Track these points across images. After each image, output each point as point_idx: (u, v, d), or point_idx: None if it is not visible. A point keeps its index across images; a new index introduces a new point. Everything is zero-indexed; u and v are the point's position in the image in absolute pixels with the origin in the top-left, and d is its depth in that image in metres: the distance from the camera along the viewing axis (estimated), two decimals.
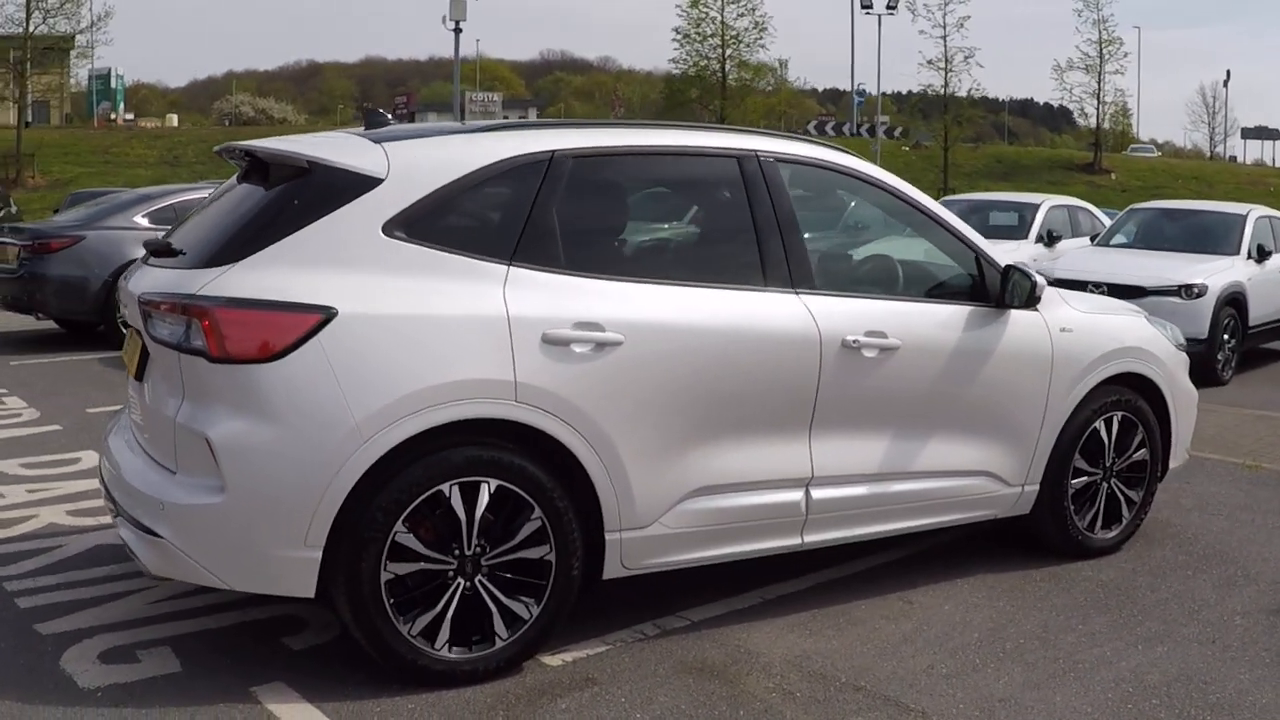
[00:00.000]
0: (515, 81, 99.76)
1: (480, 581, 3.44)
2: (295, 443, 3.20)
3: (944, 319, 4.30)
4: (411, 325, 3.33)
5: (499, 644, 3.48)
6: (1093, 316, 4.78)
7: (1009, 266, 4.39)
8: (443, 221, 3.50)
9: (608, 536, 3.62)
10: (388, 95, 78.18)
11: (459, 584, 3.41)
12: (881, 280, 4.49)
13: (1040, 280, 4.38)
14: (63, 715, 3.19)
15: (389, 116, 4.15)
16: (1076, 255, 11.19)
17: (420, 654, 3.37)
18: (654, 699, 3.39)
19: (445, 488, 3.35)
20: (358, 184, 3.42)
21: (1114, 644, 3.88)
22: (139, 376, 3.72)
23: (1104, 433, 4.75)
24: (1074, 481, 4.69)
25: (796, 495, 3.97)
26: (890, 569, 4.61)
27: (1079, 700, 3.44)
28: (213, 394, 3.26)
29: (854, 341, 4.00)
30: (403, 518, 3.30)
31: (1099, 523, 4.81)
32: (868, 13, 42.62)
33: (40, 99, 43.23)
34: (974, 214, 12.43)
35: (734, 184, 4.02)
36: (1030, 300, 4.37)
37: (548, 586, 3.53)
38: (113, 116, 51.07)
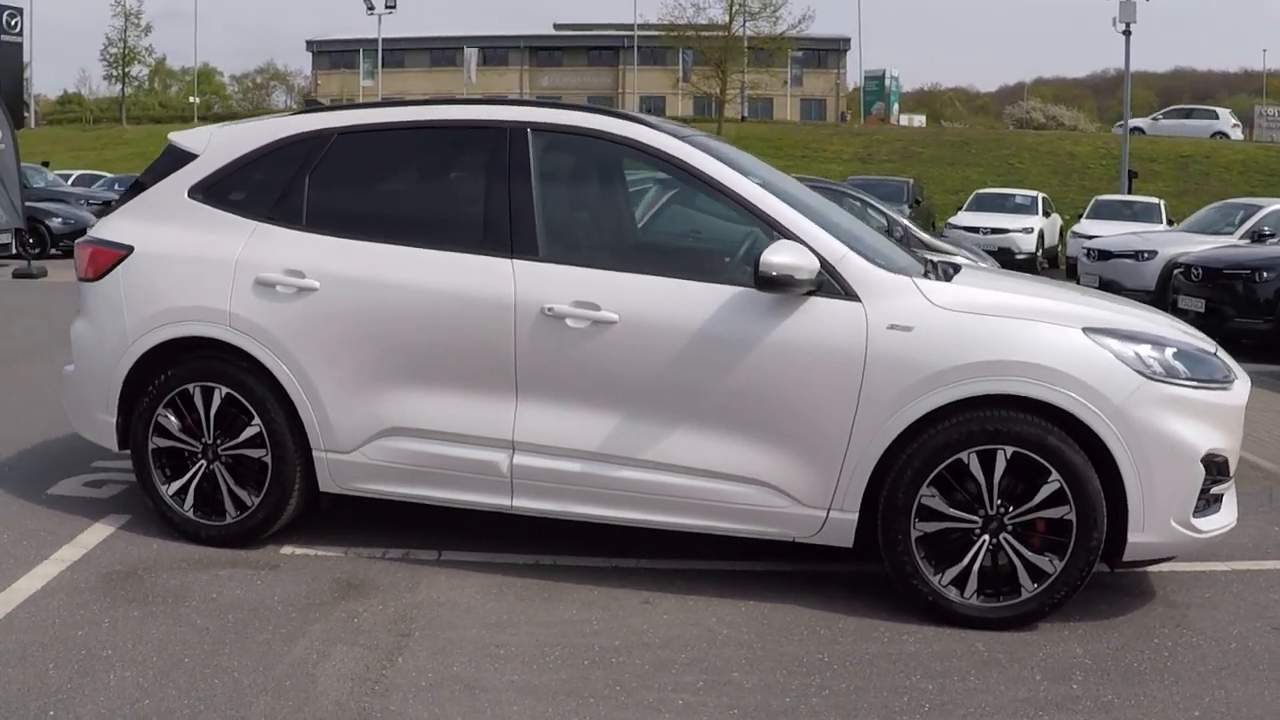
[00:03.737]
0: None
1: (218, 468, 4.27)
2: (97, 339, 4.42)
3: (686, 296, 3.81)
4: (174, 263, 4.31)
5: (228, 520, 4.27)
6: (963, 316, 3.67)
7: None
8: (229, 187, 4.39)
9: (314, 454, 4.16)
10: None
11: (201, 465, 4.28)
12: (633, 253, 4.09)
13: (784, 259, 3.58)
14: (4, 498, 4.83)
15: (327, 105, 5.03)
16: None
17: (172, 511, 4.33)
18: (267, 595, 3.84)
19: (191, 388, 4.26)
20: (183, 158, 4.49)
21: (740, 708, 3.20)
22: None
23: (979, 470, 3.64)
24: (922, 524, 3.70)
25: (498, 456, 3.97)
26: (740, 576, 4.17)
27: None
28: (80, 302, 4.62)
29: (550, 310, 3.84)
30: (163, 404, 4.29)
31: (972, 585, 3.69)
32: None
33: (815, 98, 48.07)
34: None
35: (476, 154, 4.20)
36: (761, 282, 3.65)
37: (266, 483, 4.20)
38: (885, 117, 54.22)
